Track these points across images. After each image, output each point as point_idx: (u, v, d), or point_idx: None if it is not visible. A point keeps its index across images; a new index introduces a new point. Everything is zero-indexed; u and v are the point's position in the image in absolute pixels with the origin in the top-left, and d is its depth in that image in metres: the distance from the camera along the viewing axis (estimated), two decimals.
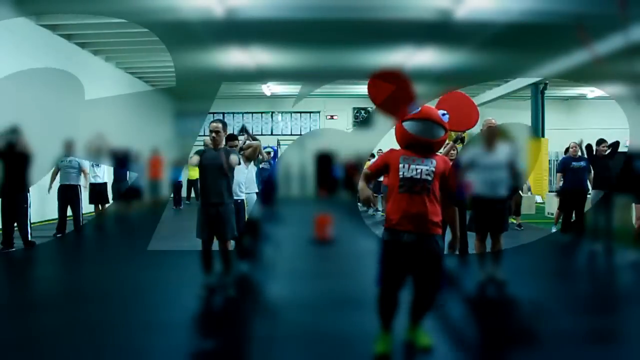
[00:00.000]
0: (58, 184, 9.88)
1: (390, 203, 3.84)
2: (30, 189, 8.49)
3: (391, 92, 3.94)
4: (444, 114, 3.88)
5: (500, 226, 5.98)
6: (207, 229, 5.65)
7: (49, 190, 9.87)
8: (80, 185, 10.07)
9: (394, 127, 3.96)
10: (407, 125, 3.85)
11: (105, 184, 11.38)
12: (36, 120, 12.09)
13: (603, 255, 8.21)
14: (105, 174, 11.33)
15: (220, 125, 5.73)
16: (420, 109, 3.87)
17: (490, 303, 5.69)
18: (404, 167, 3.79)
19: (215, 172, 5.63)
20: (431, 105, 4.05)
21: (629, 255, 7.88)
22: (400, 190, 3.78)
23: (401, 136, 3.90)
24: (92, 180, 11.08)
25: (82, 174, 9.93)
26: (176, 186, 17.43)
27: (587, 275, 7.45)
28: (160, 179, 15.30)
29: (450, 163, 4.00)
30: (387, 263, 3.83)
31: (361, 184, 3.95)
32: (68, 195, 9.84)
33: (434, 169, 3.78)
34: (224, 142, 5.81)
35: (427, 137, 3.81)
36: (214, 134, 5.69)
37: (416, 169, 3.77)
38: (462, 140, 6.84)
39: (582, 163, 9.18)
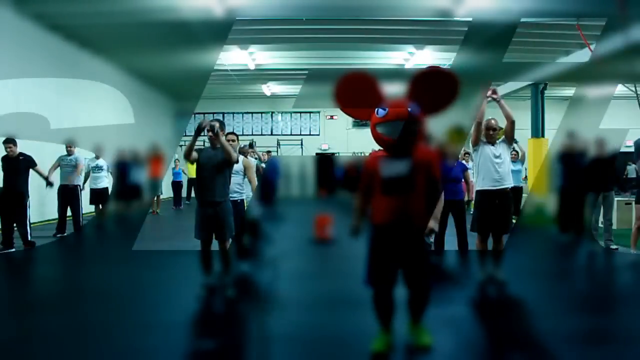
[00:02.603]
0: (58, 184, 9.89)
1: (374, 203, 3.88)
2: (29, 189, 8.49)
3: (357, 96, 3.87)
4: (414, 107, 3.78)
5: (504, 226, 5.98)
6: (206, 229, 5.65)
7: (46, 185, 9.77)
8: (80, 185, 10.07)
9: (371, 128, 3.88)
10: (379, 128, 3.79)
11: (106, 188, 11.39)
12: (37, 119, 12.12)
13: (603, 255, 8.21)
14: (106, 178, 11.33)
15: (216, 123, 5.73)
16: (387, 109, 3.76)
17: (490, 303, 5.69)
18: (383, 168, 3.81)
19: (213, 171, 5.62)
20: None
21: (629, 255, 7.88)
22: (382, 190, 3.81)
23: (376, 140, 3.87)
24: (93, 186, 11.08)
25: (76, 169, 9.92)
26: (176, 186, 17.43)
27: (587, 275, 7.45)
28: (160, 178, 15.31)
29: (435, 152, 3.99)
30: (376, 261, 3.86)
31: (355, 215, 3.98)
32: (68, 195, 9.85)
33: (412, 164, 3.79)
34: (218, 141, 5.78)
35: (399, 137, 3.75)
36: (210, 134, 5.69)
37: (395, 168, 3.78)
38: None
39: (583, 161, 9.17)
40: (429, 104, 3.86)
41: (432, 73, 4.08)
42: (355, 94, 3.90)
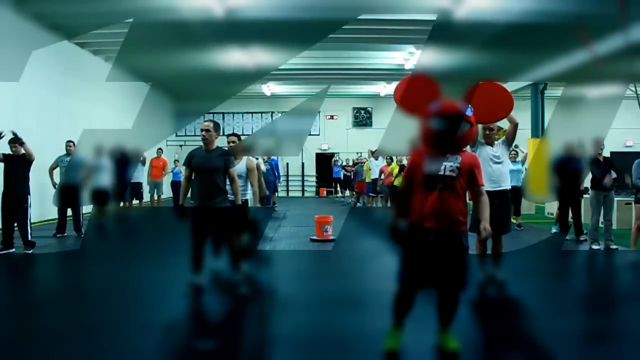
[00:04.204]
0: (59, 184, 9.90)
1: (415, 200, 3.80)
2: (30, 189, 8.48)
3: (417, 93, 3.92)
4: (466, 107, 3.79)
5: (503, 227, 5.97)
6: (201, 231, 5.65)
7: (54, 186, 9.93)
8: (80, 186, 10.06)
9: (419, 125, 3.87)
10: (431, 122, 3.75)
11: (107, 187, 11.38)
12: (37, 119, 12.12)
13: (603, 255, 8.21)
14: (106, 177, 11.33)
15: (210, 124, 5.73)
16: (441, 104, 3.77)
17: (490, 303, 5.69)
18: (429, 164, 3.76)
19: (209, 174, 5.61)
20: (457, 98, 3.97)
21: (629, 255, 7.88)
22: (425, 187, 3.75)
23: (426, 134, 3.81)
24: (94, 185, 11.08)
25: (84, 170, 9.92)
26: (175, 186, 17.42)
27: (587, 275, 7.45)
28: (161, 179, 15.35)
29: (476, 157, 3.95)
30: (409, 260, 3.78)
31: (395, 211, 3.92)
32: (68, 195, 9.83)
33: (458, 165, 3.74)
34: (215, 143, 5.79)
35: (451, 133, 3.72)
36: (203, 133, 5.69)
37: (440, 166, 3.73)
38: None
39: (580, 164, 9.20)
40: (481, 111, 3.91)
41: (491, 85, 4.13)
42: (417, 93, 3.93)
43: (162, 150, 15.84)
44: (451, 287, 3.82)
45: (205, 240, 5.74)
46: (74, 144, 10.18)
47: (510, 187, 6.15)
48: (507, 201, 6.02)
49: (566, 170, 9.29)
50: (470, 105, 3.82)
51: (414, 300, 3.85)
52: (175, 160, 17.99)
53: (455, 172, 3.74)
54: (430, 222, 3.71)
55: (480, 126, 5.99)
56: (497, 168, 5.94)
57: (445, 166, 3.73)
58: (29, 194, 8.34)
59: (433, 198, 3.72)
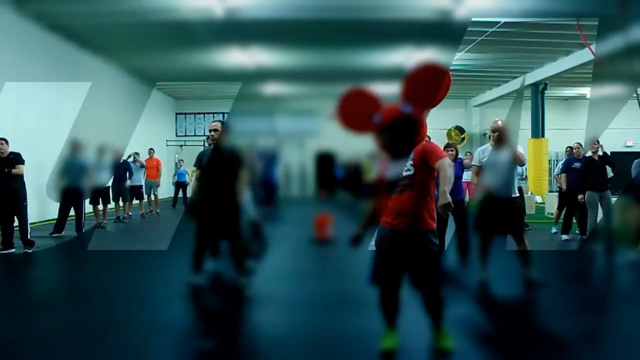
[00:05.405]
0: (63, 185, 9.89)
1: (381, 204, 3.90)
2: (27, 189, 8.47)
3: (361, 114, 3.92)
4: (405, 107, 3.81)
5: (518, 226, 6.03)
6: (210, 231, 5.64)
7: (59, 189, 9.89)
8: (83, 187, 10.06)
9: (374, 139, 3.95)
10: (379, 134, 3.85)
11: (107, 187, 11.46)
12: (37, 119, 12.13)
13: (603, 255, 8.21)
14: (107, 177, 11.41)
15: (219, 124, 5.72)
16: (381, 114, 3.83)
17: (490, 303, 5.69)
18: (385, 168, 3.86)
19: (219, 174, 5.60)
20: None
21: (629, 255, 7.88)
22: (387, 191, 3.84)
23: (380, 146, 3.93)
24: (95, 184, 11.13)
25: (87, 174, 9.94)
26: (180, 186, 17.43)
27: (587, 275, 7.44)
28: (159, 179, 15.34)
29: (427, 143, 3.93)
30: (380, 261, 3.87)
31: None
32: (72, 197, 9.84)
33: (411, 162, 3.76)
34: (224, 142, 5.78)
35: (399, 137, 3.79)
36: (212, 133, 5.68)
37: (396, 168, 3.80)
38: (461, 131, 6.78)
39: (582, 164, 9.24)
40: (422, 98, 3.87)
41: (422, 69, 4.02)
42: (359, 112, 3.95)
43: (153, 150, 15.75)
44: (427, 286, 3.84)
45: (209, 241, 5.73)
46: (80, 145, 10.13)
47: (516, 194, 6.10)
48: (515, 203, 6.04)
49: (572, 169, 9.37)
50: (406, 102, 3.81)
51: (398, 301, 3.90)
52: (180, 160, 17.97)
53: (411, 170, 3.76)
54: (397, 223, 3.76)
55: (490, 129, 6.04)
56: (504, 174, 5.96)
57: (402, 167, 3.79)
58: (26, 192, 8.32)
59: (395, 200, 3.78)
